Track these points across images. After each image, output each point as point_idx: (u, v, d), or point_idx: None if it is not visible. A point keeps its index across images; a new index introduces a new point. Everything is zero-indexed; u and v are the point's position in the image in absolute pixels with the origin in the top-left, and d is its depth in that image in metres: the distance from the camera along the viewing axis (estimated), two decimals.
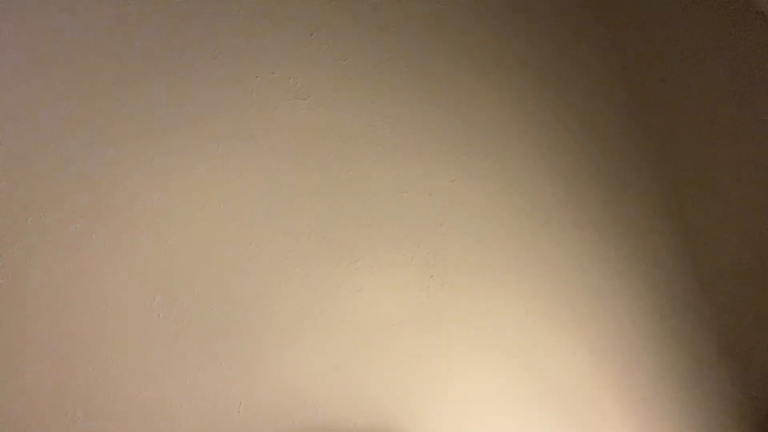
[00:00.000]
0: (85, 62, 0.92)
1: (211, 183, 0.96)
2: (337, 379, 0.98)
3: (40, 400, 0.95)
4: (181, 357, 0.97)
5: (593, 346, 1.06)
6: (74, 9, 0.91)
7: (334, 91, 0.98)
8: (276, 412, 1.00)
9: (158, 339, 0.97)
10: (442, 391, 1.01)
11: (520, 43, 1.03)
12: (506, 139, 1.03)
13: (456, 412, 1.01)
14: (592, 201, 1.05)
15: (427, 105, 1.01)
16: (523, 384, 1.04)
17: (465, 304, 1.03)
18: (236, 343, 0.99)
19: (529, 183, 1.04)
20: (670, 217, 1.06)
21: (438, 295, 1.03)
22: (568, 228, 1.05)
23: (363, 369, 0.99)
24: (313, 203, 0.99)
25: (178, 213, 0.96)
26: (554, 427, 1.04)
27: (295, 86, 0.97)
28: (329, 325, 1.01)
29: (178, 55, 0.94)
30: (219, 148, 0.96)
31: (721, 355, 1.08)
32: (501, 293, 1.04)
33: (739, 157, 1.08)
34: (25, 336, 0.94)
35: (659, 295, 1.07)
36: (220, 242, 0.98)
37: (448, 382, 1.01)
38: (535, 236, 1.04)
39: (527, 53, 1.03)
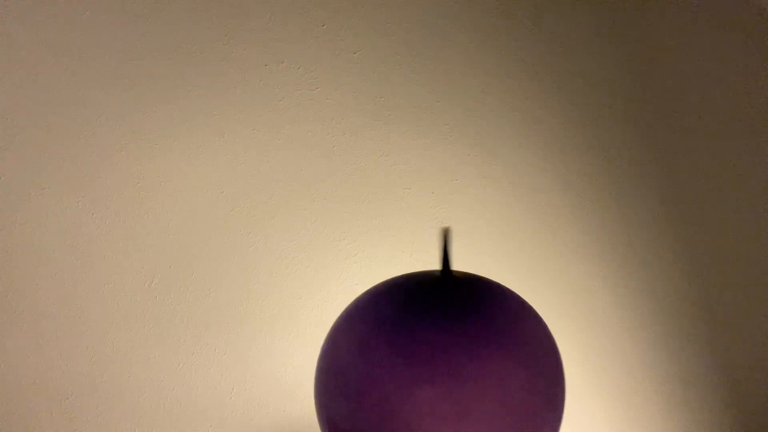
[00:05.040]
0: (87, 40, 0.91)
1: (213, 169, 0.96)
2: None
3: (31, 378, 0.95)
4: (176, 340, 0.98)
5: (586, 348, 1.07)
6: None
7: (342, 83, 0.98)
8: (268, 400, 1.01)
9: (154, 320, 0.97)
10: None
11: (533, 46, 1.02)
12: (513, 142, 1.03)
13: None
14: (597, 207, 1.05)
15: (434, 102, 1.01)
16: None
17: None
18: (231, 329, 0.99)
19: (534, 187, 1.04)
20: (674, 224, 1.07)
21: None
22: (570, 232, 1.05)
23: None
24: (314, 194, 0.99)
25: (179, 197, 0.96)
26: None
27: (304, 76, 0.96)
28: (324, 316, 1.01)
29: (185, 37, 0.93)
30: (223, 135, 0.96)
31: (713, 359, 1.09)
32: None
33: (745, 163, 1.08)
34: (17, 313, 0.94)
35: (657, 299, 1.08)
36: (219, 228, 0.98)
37: None
38: (535, 239, 1.05)
39: (539, 56, 1.02)
